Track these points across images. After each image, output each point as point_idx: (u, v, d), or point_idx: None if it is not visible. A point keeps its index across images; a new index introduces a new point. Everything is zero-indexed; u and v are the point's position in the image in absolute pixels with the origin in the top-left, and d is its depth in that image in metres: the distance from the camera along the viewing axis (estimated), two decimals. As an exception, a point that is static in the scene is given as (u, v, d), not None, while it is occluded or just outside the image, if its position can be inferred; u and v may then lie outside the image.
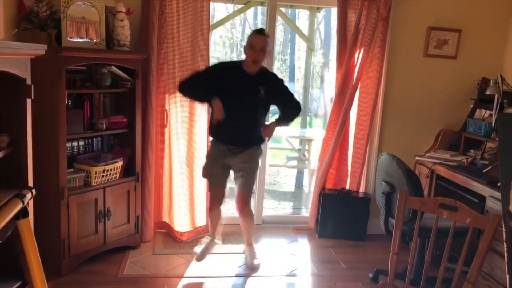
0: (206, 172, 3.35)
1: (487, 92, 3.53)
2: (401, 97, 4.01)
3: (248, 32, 14.46)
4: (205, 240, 3.46)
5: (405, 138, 4.04)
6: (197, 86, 3.12)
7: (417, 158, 3.85)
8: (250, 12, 14.12)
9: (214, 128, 3.23)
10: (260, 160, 3.43)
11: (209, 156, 3.34)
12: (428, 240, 2.33)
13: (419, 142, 4.02)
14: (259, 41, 3.07)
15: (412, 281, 2.33)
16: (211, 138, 3.37)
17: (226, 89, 3.09)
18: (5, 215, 1.55)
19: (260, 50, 3.07)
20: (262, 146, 3.39)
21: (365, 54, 3.76)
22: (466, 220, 2.12)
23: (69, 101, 3.06)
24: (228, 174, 3.36)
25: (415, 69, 3.98)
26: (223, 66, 3.35)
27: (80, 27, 3.03)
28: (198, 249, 3.41)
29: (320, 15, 9.76)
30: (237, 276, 3.28)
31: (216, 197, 3.37)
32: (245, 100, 3.14)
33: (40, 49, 1.89)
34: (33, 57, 1.90)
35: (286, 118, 3.25)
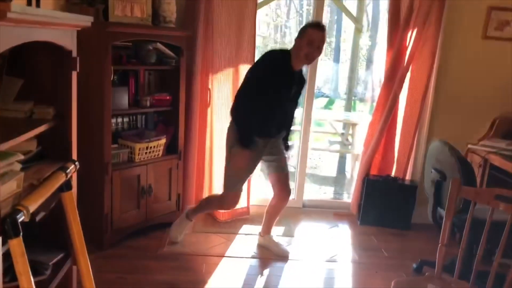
0: (245, 176, 3.09)
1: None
2: (455, 81, 3.80)
3: (293, 14, 14.24)
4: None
5: (457, 125, 3.83)
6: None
7: (469, 146, 3.65)
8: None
9: (257, 126, 2.92)
10: None
11: (250, 158, 2.96)
12: (477, 234, 2.20)
13: (472, 129, 3.81)
14: (319, 37, 2.80)
15: (460, 274, 2.21)
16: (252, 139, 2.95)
17: (277, 87, 2.86)
18: (49, 187, 1.56)
19: (317, 48, 2.81)
20: None
21: (418, 36, 3.57)
22: (525, 214, 1.98)
23: (115, 77, 3.07)
24: None
25: (472, 52, 3.75)
26: (275, 64, 2.87)
27: (128, 4, 3.02)
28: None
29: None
30: (276, 258, 3.24)
31: (237, 200, 3.18)
32: (287, 95, 2.96)
33: (86, 21, 1.87)
34: (79, 29, 1.88)
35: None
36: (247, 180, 3.23)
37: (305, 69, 3.19)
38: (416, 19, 3.56)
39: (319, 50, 2.84)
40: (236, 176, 3.01)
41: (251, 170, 3.06)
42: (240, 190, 3.09)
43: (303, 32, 2.83)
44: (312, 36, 2.79)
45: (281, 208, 3.24)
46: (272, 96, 2.85)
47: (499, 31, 3.71)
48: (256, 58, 3.37)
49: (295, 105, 3.14)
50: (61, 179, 1.64)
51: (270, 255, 3.26)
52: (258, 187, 4.78)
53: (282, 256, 3.24)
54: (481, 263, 2.13)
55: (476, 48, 3.75)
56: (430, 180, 2.97)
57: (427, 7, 3.51)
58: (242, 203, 3.79)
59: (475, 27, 3.72)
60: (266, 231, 3.34)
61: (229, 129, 2.99)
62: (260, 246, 3.36)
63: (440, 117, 3.87)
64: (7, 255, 1.36)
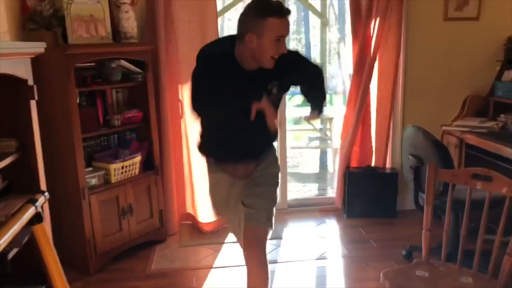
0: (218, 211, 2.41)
1: (516, 52, 3.34)
2: (423, 65, 3.83)
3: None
4: None
5: (430, 108, 3.86)
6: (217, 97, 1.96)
7: (444, 128, 3.69)
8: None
9: (215, 147, 2.21)
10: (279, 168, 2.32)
11: (216, 186, 2.29)
12: (461, 214, 2.21)
13: (445, 111, 3.84)
14: (287, 27, 1.93)
15: (448, 256, 2.22)
16: (210, 161, 2.27)
17: (226, 94, 1.98)
18: (18, 222, 1.50)
19: (284, 42, 1.96)
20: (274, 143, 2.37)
21: (381, 24, 3.59)
22: (503, 190, 1.99)
23: (82, 99, 3.01)
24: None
25: (435, 35, 3.79)
26: (214, 63, 2.02)
27: (85, 25, 2.96)
28: None
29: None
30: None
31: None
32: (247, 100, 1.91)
33: (39, 47, 1.82)
34: (33, 56, 1.83)
35: (316, 103, 2.13)
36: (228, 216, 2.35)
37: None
38: (377, 7, 3.58)
39: (285, 44, 1.97)
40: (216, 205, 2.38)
41: (221, 201, 2.31)
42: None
43: (261, 24, 1.87)
44: (279, 28, 1.89)
45: (254, 277, 2.11)
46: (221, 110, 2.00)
47: (459, 11, 3.75)
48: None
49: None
50: (30, 212, 1.58)
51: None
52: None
53: None
54: (468, 242, 2.14)
55: (439, 30, 3.79)
56: (408, 166, 2.98)
57: (387, -5, 3.53)
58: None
59: (435, 9, 3.75)
60: None
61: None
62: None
63: (413, 102, 3.89)
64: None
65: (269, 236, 2.17)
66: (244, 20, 1.94)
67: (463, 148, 3.42)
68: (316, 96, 2.17)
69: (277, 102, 2.13)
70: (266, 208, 2.14)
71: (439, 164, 2.58)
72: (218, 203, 2.33)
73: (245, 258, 2.11)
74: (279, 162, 2.36)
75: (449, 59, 3.83)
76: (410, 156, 2.94)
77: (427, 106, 3.87)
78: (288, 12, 1.93)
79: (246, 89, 1.94)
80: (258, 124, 1.89)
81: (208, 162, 2.28)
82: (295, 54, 2.17)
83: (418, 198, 2.95)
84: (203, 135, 2.24)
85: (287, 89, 2.25)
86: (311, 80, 2.18)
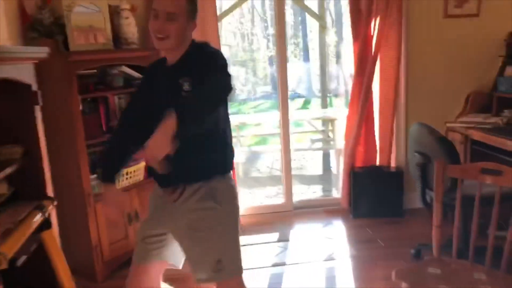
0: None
1: (518, 47, 3.33)
2: (424, 63, 3.82)
3: (257, 20, 14.28)
4: None
5: (433, 106, 3.84)
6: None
7: (448, 125, 3.67)
8: (256, -1, 13.86)
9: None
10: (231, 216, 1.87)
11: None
12: (469, 210, 2.19)
13: (448, 108, 3.83)
14: (166, 2, 1.70)
15: (458, 253, 2.20)
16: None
17: (150, 99, 1.86)
18: (26, 229, 1.49)
19: (167, 17, 1.70)
20: (227, 180, 1.86)
21: (381, 23, 3.59)
22: (513, 183, 1.97)
23: (85, 106, 3.01)
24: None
25: (436, 32, 3.78)
26: (149, 69, 2.02)
27: (86, 32, 2.96)
28: None
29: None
30: (274, 265, 3.19)
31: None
32: (166, 107, 1.48)
33: (42, 52, 1.81)
34: (36, 61, 1.82)
35: (184, 113, 1.46)
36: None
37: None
38: (377, 6, 3.58)
39: (174, 20, 1.70)
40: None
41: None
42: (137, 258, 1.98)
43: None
44: (155, 2, 1.73)
45: None
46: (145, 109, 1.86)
47: (459, 8, 3.75)
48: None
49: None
50: (38, 219, 1.57)
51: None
52: (247, 196, 4.75)
53: None
54: (478, 238, 2.12)
55: (440, 27, 3.78)
56: (415, 164, 2.97)
57: (386, -7, 3.53)
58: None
59: (435, 7, 3.75)
60: None
61: None
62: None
63: (416, 100, 3.88)
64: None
65: None
66: None
67: (468, 144, 3.40)
68: (186, 109, 1.48)
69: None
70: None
71: (446, 160, 2.56)
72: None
73: None
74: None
75: (450, 56, 3.82)
76: (416, 154, 2.92)
77: (430, 103, 3.85)
78: None
79: (161, 84, 1.80)
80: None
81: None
82: (211, 53, 1.75)
83: (426, 195, 2.93)
84: None
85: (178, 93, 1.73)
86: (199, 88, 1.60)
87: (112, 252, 3.09)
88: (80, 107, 2.86)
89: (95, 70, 3.15)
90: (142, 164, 3.23)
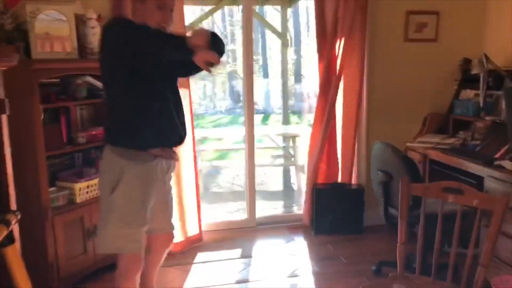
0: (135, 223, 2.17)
1: (473, 72, 3.51)
2: (385, 84, 3.96)
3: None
4: None
5: (393, 126, 3.97)
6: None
7: (408, 144, 3.80)
8: (217, 15, 13.95)
9: (149, 127, 2.11)
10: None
11: (134, 188, 2.13)
12: (429, 227, 2.27)
13: (407, 128, 3.97)
14: None
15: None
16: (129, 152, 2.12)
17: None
18: (-12, 244, 1.41)
19: (171, 11, 2.12)
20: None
21: (345, 44, 3.69)
22: (474, 202, 2.06)
23: (45, 116, 2.90)
24: None
25: (397, 55, 3.93)
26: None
27: (50, 40, 2.87)
28: None
29: (288, 13, 9.78)
30: (237, 282, 3.16)
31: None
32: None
33: (12, 59, 1.74)
34: (5, 69, 1.74)
35: None
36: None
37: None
38: (341, 28, 3.68)
39: (172, 15, 2.12)
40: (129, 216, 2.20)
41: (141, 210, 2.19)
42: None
43: None
44: None
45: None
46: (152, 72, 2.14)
47: (418, 32, 3.92)
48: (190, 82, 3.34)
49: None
50: (2, 232, 1.49)
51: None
52: (208, 212, 4.70)
53: None
54: (431, 255, 2.19)
55: (400, 50, 3.93)
56: (377, 182, 3.04)
57: (351, 16, 3.64)
58: (193, 230, 3.69)
59: (396, 31, 3.90)
60: None
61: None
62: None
63: (377, 120, 3.99)
64: None
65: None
66: None
67: (427, 164, 3.53)
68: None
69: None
70: None
71: (409, 178, 2.65)
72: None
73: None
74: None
75: (410, 78, 3.98)
76: (379, 172, 3.00)
77: (391, 123, 3.97)
78: None
79: None
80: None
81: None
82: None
83: (388, 213, 3.01)
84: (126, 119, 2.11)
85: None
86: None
87: (70, 268, 2.96)
88: (41, 117, 2.76)
89: (57, 79, 3.06)
90: (104, 177, 3.14)
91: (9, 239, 1.54)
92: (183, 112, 2.27)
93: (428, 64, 3.97)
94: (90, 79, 3.14)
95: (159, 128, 2.12)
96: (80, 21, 3.06)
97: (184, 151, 3.55)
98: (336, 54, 3.76)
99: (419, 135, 3.90)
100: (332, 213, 3.88)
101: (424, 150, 3.55)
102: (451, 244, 2.12)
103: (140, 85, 2.07)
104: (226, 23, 15.53)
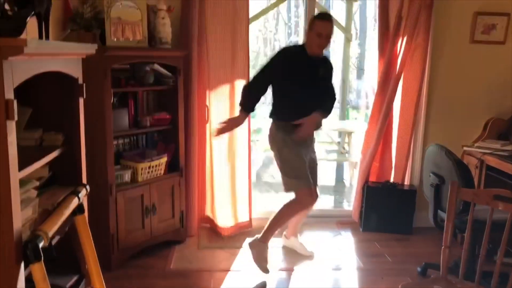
0: (302, 163, 3.15)
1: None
2: (447, 86, 3.89)
3: (281, 26, 14.37)
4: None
5: (451, 128, 3.91)
6: (263, 86, 3.14)
7: (465, 148, 3.73)
8: (283, 6, 14.05)
9: (292, 112, 3.14)
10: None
11: (291, 147, 3.12)
12: (479, 233, 2.26)
13: (466, 132, 3.89)
14: (326, 28, 3.01)
15: (465, 276, 2.26)
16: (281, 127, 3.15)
17: (295, 75, 3.09)
18: (63, 212, 1.60)
19: (326, 37, 3.02)
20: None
21: (408, 43, 3.66)
22: (524, 212, 2.04)
23: (115, 99, 3.13)
24: None
25: (461, 57, 3.85)
26: (289, 53, 3.20)
27: (123, 28, 3.08)
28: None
29: (355, 6, 9.64)
30: (282, 270, 3.28)
31: (313, 194, 3.27)
32: (311, 79, 3.13)
33: (91, 48, 1.93)
34: (84, 56, 1.94)
35: (325, 107, 3.16)
36: (308, 170, 3.18)
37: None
38: (405, 27, 3.65)
39: (327, 39, 3.05)
40: (296, 170, 3.15)
41: (301, 156, 3.14)
42: (310, 183, 3.16)
43: (311, 25, 3.06)
44: (319, 28, 3.01)
45: (307, 211, 3.42)
46: (292, 81, 3.10)
47: (485, 34, 3.81)
48: (251, 73, 3.47)
49: (326, 87, 3.27)
50: (74, 203, 1.68)
51: (275, 266, 3.30)
52: (259, 200, 4.84)
53: (308, 256, 3.46)
54: (484, 263, 2.19)
55: (465, 52, 3.84)
56: (429, 184, 3.03)
57: (415, 15, 3.60)
58: (244, 217, 3.83)
59: (462, 32, 3.81)
60: (292, 233, 3.53)
61: (272, 130, 3.21)
62: (286, 248, 3.56)
63: (435, 121, 3.94)
64: (28, 280, 1.40)
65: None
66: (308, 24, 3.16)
67: (484, 169, 3.45)
68: (325, 105, 3.19)
69: (325, 80, 3.26)
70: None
71: (461, 183, 2.63)
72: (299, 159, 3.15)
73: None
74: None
75: (473, 81, 3.88)
76: (431, 174, 2.99)
77: (449, 125, 3.91)
78: (328, 17, 3.08)
79: (304, 67, 3.12)
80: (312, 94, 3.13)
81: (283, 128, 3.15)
82: (332, 66, 3.31)
83: (437, 216, 3.00)
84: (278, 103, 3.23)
85: (329, 76, 3.29)
86: (329, 95, 3.27)
87: (128, 241, 3.20)
88: (112, 100, 2.98)
89: (128, 66, 3.28)
90: (164, 159, 3.34)
91: (80, 209, 1.73)
92: (319, 98, 3.14)
93: (494, 68, 3.86)
94: (157, 66, 3.34)
95: (291, 109, 3.15)
96: (151, 12, 3.26)
97: (239, 141, 3.70)
98: (398, 52, 3.74)
99: (479, 139, 3.81)
100: (382, 211, 3.90)
101: (482, 155, 3.48)
102: (509, 254, 2.11)
103: (282, 87, 3.16)
104: (292, 14, 15.53)
